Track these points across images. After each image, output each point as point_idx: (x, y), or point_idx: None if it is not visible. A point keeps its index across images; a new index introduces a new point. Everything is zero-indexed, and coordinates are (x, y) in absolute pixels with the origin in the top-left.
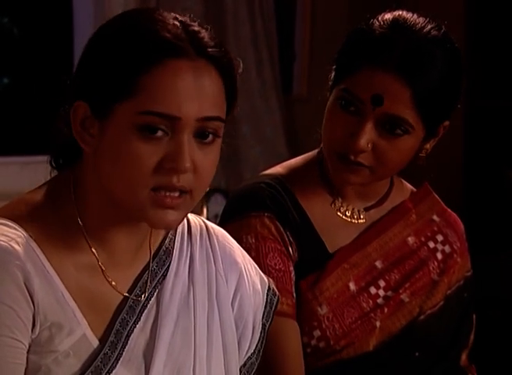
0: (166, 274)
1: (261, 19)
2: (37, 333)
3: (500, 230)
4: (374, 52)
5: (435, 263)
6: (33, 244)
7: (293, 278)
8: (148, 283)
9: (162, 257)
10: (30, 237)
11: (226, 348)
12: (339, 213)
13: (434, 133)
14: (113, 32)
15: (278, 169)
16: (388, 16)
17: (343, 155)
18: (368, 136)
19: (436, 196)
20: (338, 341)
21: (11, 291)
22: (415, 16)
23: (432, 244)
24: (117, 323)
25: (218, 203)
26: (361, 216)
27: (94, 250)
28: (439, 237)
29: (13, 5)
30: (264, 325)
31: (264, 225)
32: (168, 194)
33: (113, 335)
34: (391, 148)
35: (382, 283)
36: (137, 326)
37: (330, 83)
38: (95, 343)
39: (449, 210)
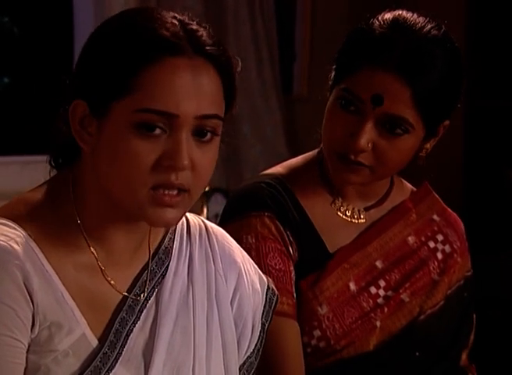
0: (165, 274)
1: (261, 18)
2: (36, 332)
3: (500, 230)
4: (374, 52)
5: (436, 263)
6: (33, 244)
7: (294, 278)
8: (147, 283)
9: (161, 256)
10: (30, 236)
11: (226, 348)
12: (339, 213)
13: (434, 132)
14: (111, 30)
15: (278, 168)
16: (388, 15)
17: (343, 155)
18: (368, 136)
19: (436, 196)
20: (338, 340)
21: (10, 290)
22: (415, 15)
23: (432, 244)
24: (116, 322)
25: (219, 203)
26: (361, 216)
27: (93, 249)
28: (440, 237)
29: (13, 4)
30: (263, 324)
31: (264, 225)
32: (166, 192)
33: (112, 334)
34: (391, 148)
35: (382, 283)
36: (137, 325)
37: (330, 82)
38: (94, 342)
39: (449, 210)
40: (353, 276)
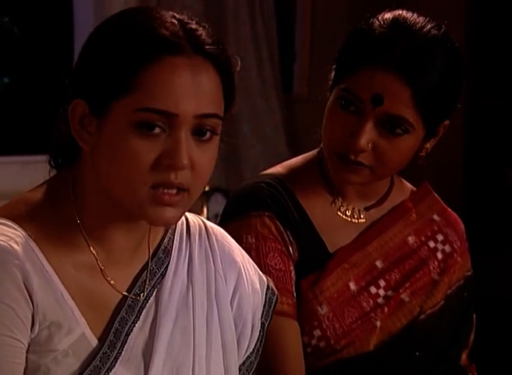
0: (165, 274)
1: (261, 18)
2: (36, 332)
3: (500, 230)
4: (374, 52)
5: (436, 263)
6: (32, 244)
7: (294, 278)
8: (147, 283)
9: (161, 256)
10: (29, 236)
11: (225, 347)
12: (339, 213)
13: (434, 132)
14: (111, 30)
15: (278, 168)
16: (388, 15)
17: (343, 155)
18: (368, 135)
19: (436, 195)
20: (338, 340)
21: (10, 290)
22: (415, 15)
23: (432, 244)
24: (116, 322)
25: (219, 203)
26: (361, 216)
27: (92, 249)
28: (440, 237)
29: (14, 4)
30: (263, 324)
31: (264, 224)
32: (166, 191)
33: (112, 334)
34: (391, 148)
35: (382, 283)
36: (136, 325)
37: (330, 82)
38: (94, 342)
39: (449, 209)
40: (354, 276)
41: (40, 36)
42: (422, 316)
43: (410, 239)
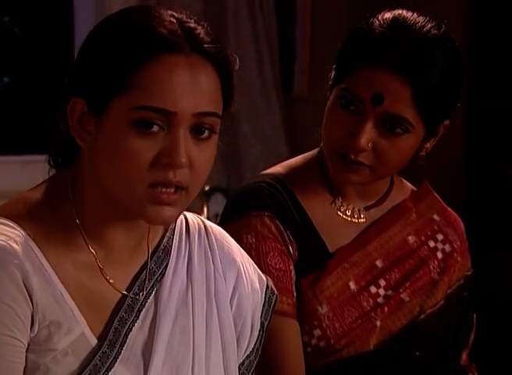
0: (164, 273)
1: (261, 18)
2: (35, 331)
3: (500, 230)
4: (374, 52)
5: (436, 262)
6: (32, 243)
7: (294, 277)
8: (146, 282)
9: (160, 256)
10: (29, 236)
11: (225, 347)
12: (339, 212)
13: (434, 132)
14: (110, 28)
15: (278, 168)
16: (388, 15)
17: (343, 155)
18: (368, 135)
19: (436, 195)
20: (338, 340)
21: (10, 289)
22: (415, 15)
23: (432, 244)
24: (116, 321)
25: (219, 202)
26: (361, 216)
27: (91, 248)
28: (440, 236)
29: (14, 4)
30: (262, 323)
31: (264, 224)
32: (164, 190)
33: (112, 333)
34: (391, 147)
35: (382, 283)
36: (136, 324)
37: (330, 82)
38: (94, 341)
39: (449, 209)
40: (354, 275)
41: (40, 36)
42: (422, 316)
43: (411, 239)
